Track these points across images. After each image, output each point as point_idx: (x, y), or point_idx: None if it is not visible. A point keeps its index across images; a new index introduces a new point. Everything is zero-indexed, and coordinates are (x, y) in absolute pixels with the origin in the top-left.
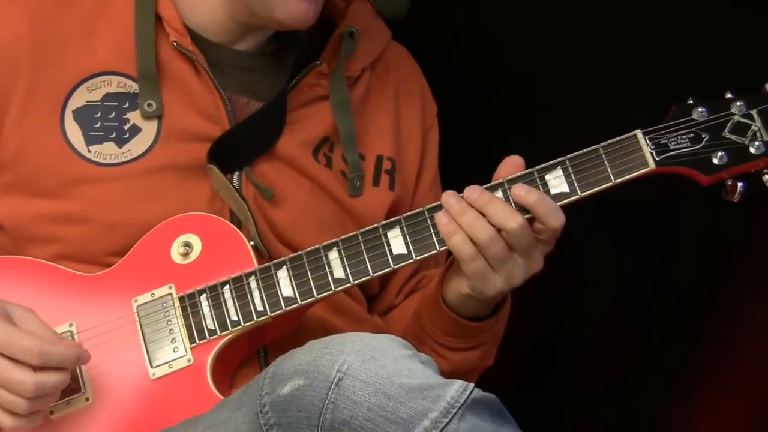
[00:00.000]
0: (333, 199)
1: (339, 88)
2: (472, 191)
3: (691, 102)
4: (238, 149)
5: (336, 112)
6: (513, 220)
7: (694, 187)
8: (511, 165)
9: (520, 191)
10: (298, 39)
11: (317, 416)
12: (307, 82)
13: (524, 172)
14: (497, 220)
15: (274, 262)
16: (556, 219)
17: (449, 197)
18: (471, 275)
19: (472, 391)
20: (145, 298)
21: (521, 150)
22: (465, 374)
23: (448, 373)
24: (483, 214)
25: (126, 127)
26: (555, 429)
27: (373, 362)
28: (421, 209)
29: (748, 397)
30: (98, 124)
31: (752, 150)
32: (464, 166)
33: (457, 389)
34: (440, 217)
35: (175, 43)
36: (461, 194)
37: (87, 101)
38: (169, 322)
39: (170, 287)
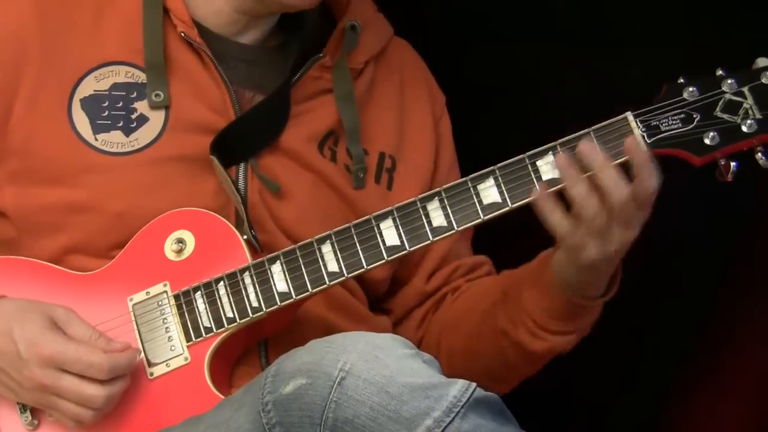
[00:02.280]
0: (337, 194)
1: (342, 80)
2: (592, 150)
3: (682, 81)
4: (241, 141)
5: (340, 104)
6: (622, 190)
7: (692, 186)
8: None
9: (585, 147)
10: (302, 33)
11: (320, 415)
12: (310, 75)
13: (515, 158)
14: (607, 188)
15: (268, 256)
16: (618, 193)
17: (564, 163)
18: (568, 248)
19: (474, 391)
20: (140, 296)
21: (521, 147)
22: (547, 356)
23: (539, 354)
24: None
25: (133, 116)
26: (554, 430)
27: (376, 361)
28: (413, 199)
29: (746, 399)
30: (106, 113)
31: (744, 128)
32: (464, 162)
33: (459, 388)
34: (539, 195)
35: (182, 34)
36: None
37: (95, 90)
38: (165, 321)
39: (165, 285)
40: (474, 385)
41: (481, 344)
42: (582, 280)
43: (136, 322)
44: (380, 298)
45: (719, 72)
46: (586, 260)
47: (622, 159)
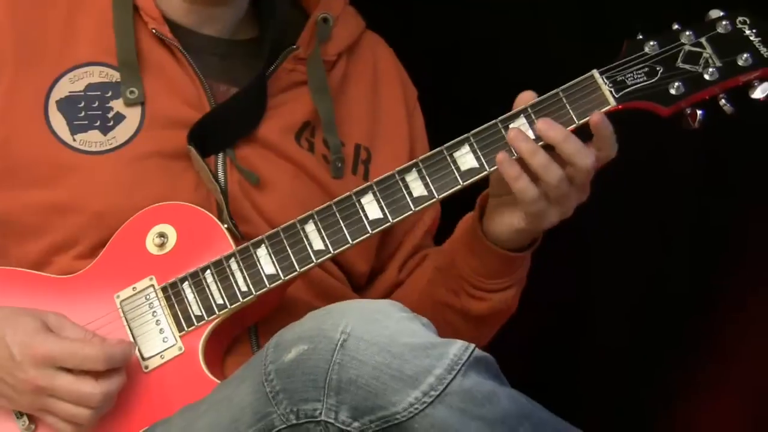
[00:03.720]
0: (316, 183)
1: (316, 72)
2: (548, 124)
3: (641, 37)
4: (218, 132)
5: (315, 95)
6: (588, 158)
7: (693, 186)
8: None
9: (543, 125)
10: (275, 26)
11: (323, 378)
12: (284, 68)
13: (488, 124)
14: (571, 157)
15: (252, 241)
16: (584, 157)
17: (517, 136)
18: (531, 214)
19: (473, 350)
20: (126, 292)
21: None
22: (500, 315)
23: (487, 315)
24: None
25: (110, 115)
26: None
27: (376, 323)
28: (391, 173)
29: (746, 396)
30: (82, 114)
31: (706, 77)
32: None
33: (459, 347)
34: (501, 158)
35: (154, 31)
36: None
37: (70, 92)
38: (155, 314)
39: (151, 279)
40: (473, 345)
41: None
42: (520, 240)
43: (126, 318)
44: (362, 288)
45: (675, 26)
46: (546, 226)
47: (588, 119)
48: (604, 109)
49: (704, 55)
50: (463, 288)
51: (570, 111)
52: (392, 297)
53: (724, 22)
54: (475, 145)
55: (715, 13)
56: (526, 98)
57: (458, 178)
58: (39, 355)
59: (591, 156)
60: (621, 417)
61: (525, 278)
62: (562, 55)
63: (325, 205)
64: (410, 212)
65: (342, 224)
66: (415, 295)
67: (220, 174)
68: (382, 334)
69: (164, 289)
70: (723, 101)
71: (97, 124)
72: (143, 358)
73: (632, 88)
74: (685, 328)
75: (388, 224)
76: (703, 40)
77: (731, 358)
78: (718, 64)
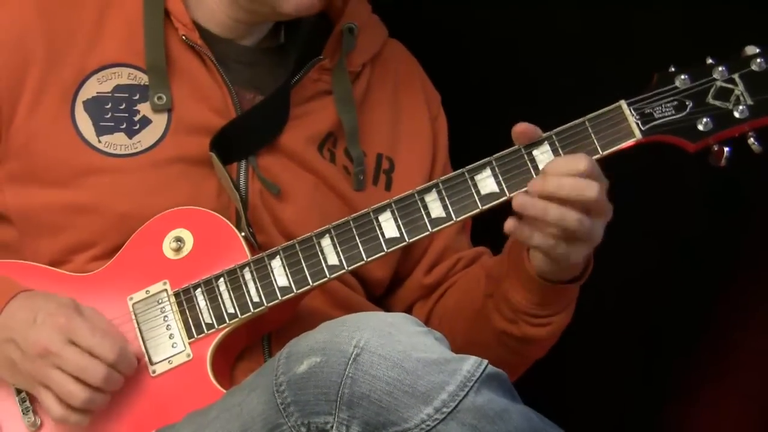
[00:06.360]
0: (337, 195)
1: (341, 82)
2: (536, 184)
3: (673, 70)
4: (240, 139)
5: (339, 106)
6: (591, 191)
7: (696, 186)
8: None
9: (532, 188)
10: (300, 35)
11: (335, 391)
12: (310, 77)
13: (512, 149)
14: (575, 199)
15: (267, 252)
16: (590, 191)
17: (524, 204)
18: (554, 259)
19: (486, 366)
20: (140, 295)
21: None
22: (555, 335)
23: (546, 339)
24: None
25: (136, 118)
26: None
27: (390, 338)
28: (410, 192)
29: (748, 397)
30: (108, 115)
31: (736, 114)
32: (463, 162)
33: (472, 364)
34: (510, 225)
35: (184, 37)
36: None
37: (98, 92)
38: (166, 318)
39: (164, 283)
40: (486, 361)
41: (484, 348)
42: (562, 272)
43: (137, 321)
44: (381, 296)
45: (709, 60)
46: (575, 261)
47: (613, 149)
48: (628, 142)
49: (736, 92)
50: (522, 319)
51: (594, 141)
52: (433, 313)
53: (758, 60)
54: (497, 169)
55: (751, 50)
56: (519, 129)
57: (477, 201)
58: (59, 324)
59: (592, 186)
60: (627, 417)
61: (578, 291)
62: (563, 55)
63: (342, 220)
64: (427, 233)
65: (358, 241)
66: (469, 318)
67: (242, 182)
68: (395, 349)
69: (177, 295)
70: (752, 139)
71: (123, 126)
72: (151, 363)
73: (660, 121)
74: (688, 331)
75: (404, 243)
76: (735, 76)
77: (734, 362)
78: (749, 102)
